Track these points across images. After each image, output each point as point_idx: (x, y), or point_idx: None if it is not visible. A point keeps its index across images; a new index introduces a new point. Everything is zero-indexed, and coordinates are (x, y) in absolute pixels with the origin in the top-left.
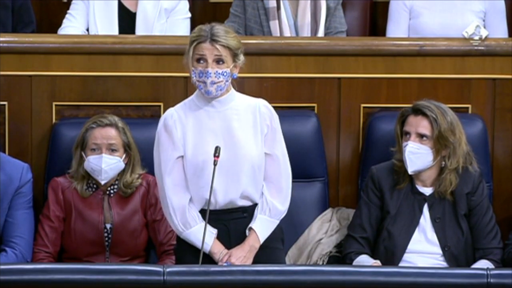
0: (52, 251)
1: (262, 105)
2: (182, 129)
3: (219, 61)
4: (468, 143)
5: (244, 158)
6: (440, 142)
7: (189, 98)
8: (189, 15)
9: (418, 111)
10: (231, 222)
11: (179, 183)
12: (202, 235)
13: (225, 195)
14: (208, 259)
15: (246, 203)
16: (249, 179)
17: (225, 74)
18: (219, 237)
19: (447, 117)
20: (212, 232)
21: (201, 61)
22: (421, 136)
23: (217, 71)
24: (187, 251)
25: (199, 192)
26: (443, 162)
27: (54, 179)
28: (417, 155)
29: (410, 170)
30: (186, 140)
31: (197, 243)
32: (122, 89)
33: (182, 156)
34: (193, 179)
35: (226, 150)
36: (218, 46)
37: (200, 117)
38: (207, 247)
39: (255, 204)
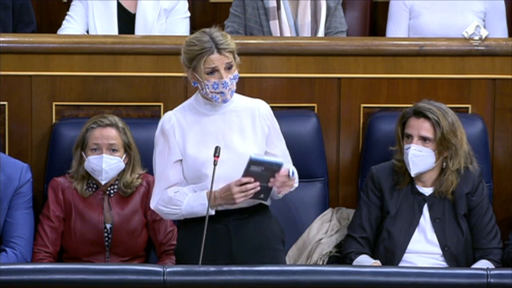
0: (52, 251)
1: (261, 105)
2: (181, 133)
3: (229, 67)
4: (468, 143)
5: (244, 161)
6: (442, 144)
7: (188, 102)
8: (188, 14)
9: (419, 114)
10: (231, 222)
11: (172, 187)
12: (201, 205)
13: None
14: (208, 259)
15: (246, 204)
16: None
17: (236, 77)
18: (220, 238)
19: (448, 118)
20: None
21: (214, 73)
22: (423, 138)
23: (231, 78)
24: (187, 252)
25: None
26: (444, 163)
27: (54, 179)
28: (420, 158)
29: (413, 173)
30: (186, 143)
31: (200, 208)
32: (122, 89)
33: (180, 160)
34: (192, 182)
35: (226, 152)
36: (226, 54)
37: (200, 121)
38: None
39: (255, 205)
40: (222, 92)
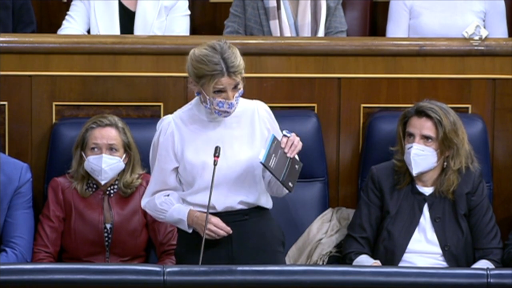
0: (52, 251)
1: (260, 108)
2: (180, 139)
3: (236, 86)
4: (469, 142)
5: (244, 166)
6: (444, 144)
7: (189, 106)
8: (189, 12)
9: (421, 113)
10: (232, 224)
11: (163, 191)
12: (181, 220)
13: (224, 202)
14: (208, 261)
15: (246, 206)
16: (249, 186)
17: (240, 93)
18: (220, 240)
19: (450, 117)
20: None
21: (221, 92)
22: (426, 138)
23: (236, 97)
24: (187, 254)
25: (197, 198)
26: (446, 163)
27: (54, 179)
28: (422, 157)
29: (415, 172)
30: (184, 149)
31: (179, 223)
32: (122, 89)
33: (176, 167)
34: (191, 186)
35: (226, 158)
36: (235, 77)
37: (200, 127)
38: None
39: (255, 208)
40: (227, 112)
